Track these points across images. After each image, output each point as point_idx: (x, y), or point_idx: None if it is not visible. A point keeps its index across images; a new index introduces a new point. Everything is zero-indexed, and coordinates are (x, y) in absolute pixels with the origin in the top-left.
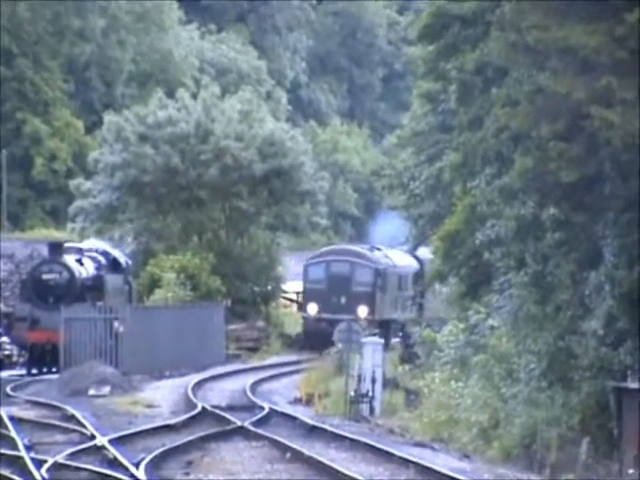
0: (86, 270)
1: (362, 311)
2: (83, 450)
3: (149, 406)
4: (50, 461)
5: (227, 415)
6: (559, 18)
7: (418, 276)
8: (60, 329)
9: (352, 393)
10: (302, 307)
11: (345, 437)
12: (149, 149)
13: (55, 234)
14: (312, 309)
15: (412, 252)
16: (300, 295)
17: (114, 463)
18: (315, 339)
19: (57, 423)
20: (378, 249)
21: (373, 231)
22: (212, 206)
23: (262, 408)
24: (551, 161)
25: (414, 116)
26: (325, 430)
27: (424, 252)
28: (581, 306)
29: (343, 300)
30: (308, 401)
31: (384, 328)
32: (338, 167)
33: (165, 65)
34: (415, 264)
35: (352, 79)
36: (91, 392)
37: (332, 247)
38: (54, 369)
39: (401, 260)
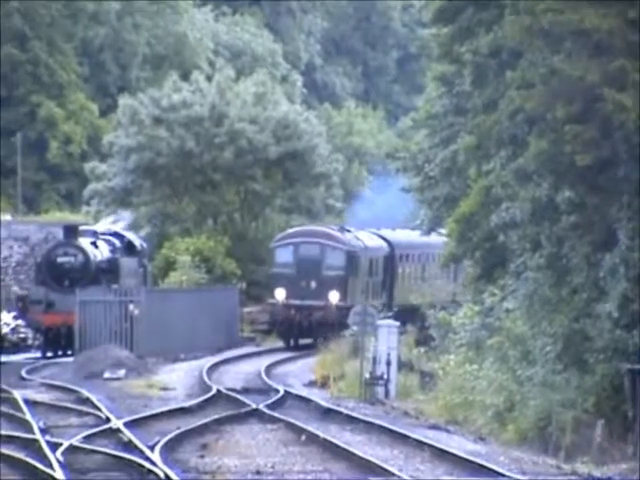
0: (101, 253)
1: (333, 297)
2: (98, 433)
3: (164, 389)
4: (65, 444)
5: (242, 398)
6: (573, 1)
7: (388, 259)
8: (75, 312)
9: (367, 376)
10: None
11: (360, 420)
12: (164, 132)
13: (70, 217)
14: (280, 294)
15: (380, 234)
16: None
17: (129, 446)
18: (283, 327)
19: (72, 406)
20: (348, 230)
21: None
22: (227, 189)
23: (277, 391)
24: (566, 144)
25: (428, 98)
26: (340, 413)
27: (394, 234)
28: (596, 288)
29: (313, 285)
30: (323, 384)
31: None
32: (353, 149)
33: (180, 48)
34: (385, 247)
35: (367, 62)
36: (106, 375)
37: (300, 228)
38: (69, 352)
39: (371, 242)
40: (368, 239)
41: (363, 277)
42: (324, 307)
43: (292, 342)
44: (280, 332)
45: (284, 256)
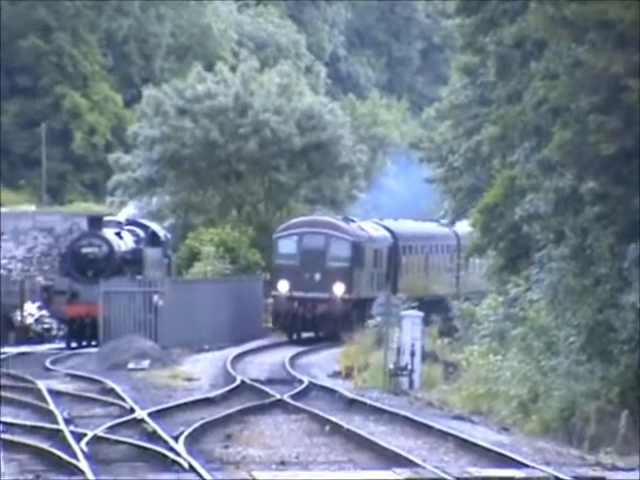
0: (125, 244)
1: (338, 289)
2: (122, 423)
3: (188, 379)
4: (89, 434)
5: (266, 388)
6: None
7: (392, 250)
8: (99, 303)
9: (391, 366)
10: (271, 285)
11: (384, 410)
12: (188, 123)
13: (94, 208)
14: (283, 287)
15: (384, 224)
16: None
17: (153, 436)
18: (286, 320)
19: (96, 396)
20: (352, 220)
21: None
22: (251, 179)
23: (301, 381)
24: (590, 134)
25: (453, 89)
26: (364, 403)
27: (397, 224)
28: (620, 279)
29: (317, 277)
30: (347, 374)
31: (360, 308)
32: (377, 140)
33: (204, 39)
34: (389, 237)
35: (391, 52)
36: (130, 365)
37: (304, 218)
38: (93, 343)
39: (376, 233)
40: (372, 229)
41: (368, 269)
42: (329, 300)
43: (295, 336)
44: (283, 326)
45: (287, 247)
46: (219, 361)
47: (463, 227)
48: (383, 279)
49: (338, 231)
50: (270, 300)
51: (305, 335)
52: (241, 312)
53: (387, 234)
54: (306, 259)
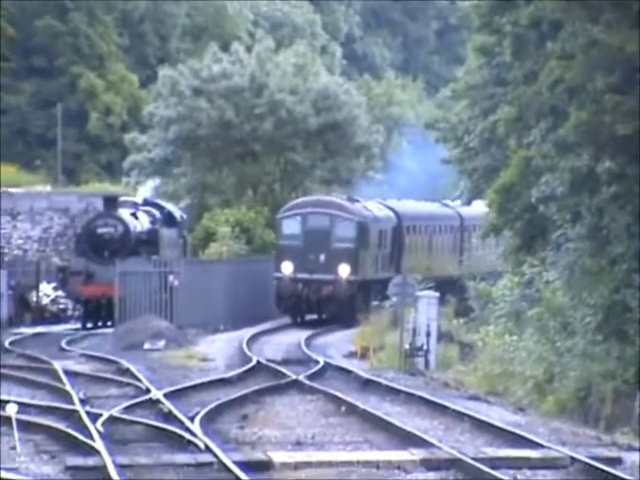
0: (141, 224)
1: (343, 270)
2: (138, 404)
3: (204, 360)
4: (105, 415)
5: (282, 369)
6: None
7: (396, 231)
8: (115, 283)
9: (407, 347)
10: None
11: (400, 390)
12: (204, 103)
13: (110, 188)
14: (286, 268)
15: (387, 204)
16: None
17: (169, 417)
18: (289, 302)
19: (112, 377)
20: (357, 200)
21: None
22: (267, 160)
23: (317, 362)
24: (606, 114)
25: (468, 70)
26: (380, 384)
27: (401, 204)
28: (636, 259)
29: (322, 258)
30: (363, 355)
31: (366, 290)
32: (393, 120)
33: (219, 19)
34: (393, 217)
35: (406, 33)
36: (146, 346)
37: (308, 198)
38: (109, 323)
39: (381, 213)
40: (377, 210)
41: (373, 249)
42: (334, 281)
43: (299, 319)
44: (286, 308)
45: (291, 227)
46: (235, 341)
47: (466, 207)
48: (387, 260)
49: (343, 211)
50: None
51: (308, 318)
52: (256, 292)
53: (391, 214)
54: (310, 240)
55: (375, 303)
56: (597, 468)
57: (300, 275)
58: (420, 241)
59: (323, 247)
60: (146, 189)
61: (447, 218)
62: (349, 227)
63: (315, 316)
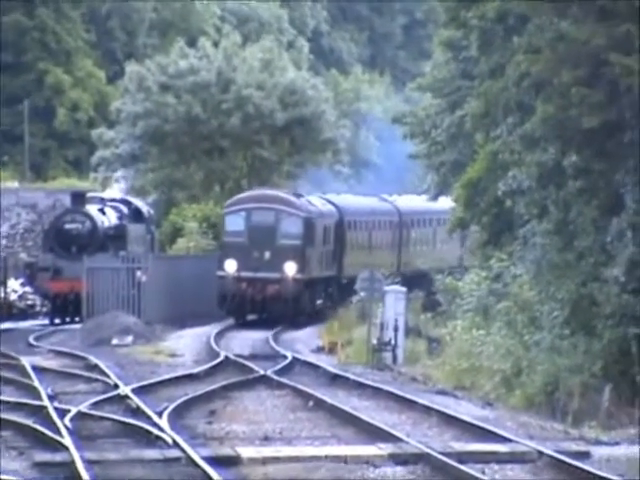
0: (108, 220)
1: (290, 268)
2: (106, 399)
3: (172, 355)
4: (73, 410)
5: (250, 364)
6: None
7: (338, 227)
8: (83, 279)
9: (375, 341)
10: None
11: (368, 385)
12: (171, 98)
13: (77, 184)
14: (230, 266)
15: (328, 199)
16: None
17: (137, 412)
18: (233, 302)
19: (80, 373)
20: (302, 195)
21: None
22: (234, 155)
23: (285, 357)
24: (572, 107)
25: (435, 64)
26: (348, 378)
27: (342, 199)
28: (603, 253)
29: (267, 255)
30: (331, 350)
31: (311, 290)
32: (360, 115)
33: (186, 14)
34: (336, 213)
35: (373, 27)
36: (114, 341)
37: (253, 192)
38: (77, 319)
39: (324, 208)
40: (321, 204)
41: (319, 246)
42: (280, 280)
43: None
44: (230, 309)
45: (235, 224)
46: (203, 337)
47: (405, 202)
48: (330, 257)
49: (289, 206)
50: None
51: (250, 318)
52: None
53: (333, 209)
54: (255, 236)
55: (319, 302)
56: (565, 462)
57: (244, 274)
58: (361, 237)
59: (268, 244)
60: (117, 189)
61: (386, 213)
62: (295, 223)
63: (257, 316)
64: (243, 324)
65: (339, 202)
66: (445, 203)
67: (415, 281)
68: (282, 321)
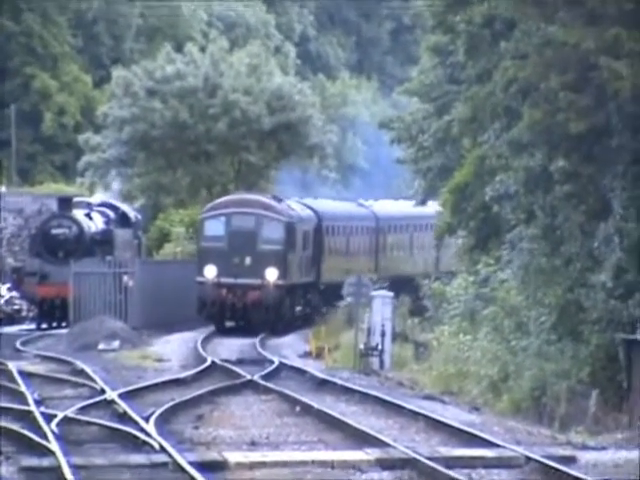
0: (95, 224)
1: (271, 274)
2: (93, 404)
3: (159, 360)
4: (60, 415)
5: (237, 369)
6: None
7: (316, 232)
8: (69, 284)
9: (362, 346)
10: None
11: (355, 390)
12: (157, 103)
13: (64, 189)
14: (210, 272)
15: (306, 204)
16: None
17: (124, 417)
18: (212, 309)
19: (67, 377)
20: (281, 199)
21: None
22: (221, 160)
23: (272, 362)
24: (560, 112)
25: (422, 69)
26: (335, 383)
27: (320, 203)
28: (590, 258)
29: (248, 261)
30: (318, 355)
31: (291, 296)
32: (347, 120)
33: (173, 19)
34: (314, 217)
35: (360, 32)
36: (100, 346)
37: (232, 197)
38: (63, 324)
39: (303, 212)
40: (300, 209)
41: (299, 252)
42: (260, 286)
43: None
44: (210, 315)
45: (214, 229)
46: (189, 342)
47: (381, 207)
48: (309, 263)
49: (270, 211)
50: None
51: (229, 325)
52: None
53: (312, 214)
54: (235, 242)
55: (298, 309)
56: (552, 467)
57: (224, 280)
58: (339, 243)
59: (249, 249)
60: (104, 194)
61: (363, 219)
62: (277, 228)
63: (235, 324)
64: (229, 329)
65: (317, 207)
66: (423, 209)
67: (398, 286)
68: (262, 329)
